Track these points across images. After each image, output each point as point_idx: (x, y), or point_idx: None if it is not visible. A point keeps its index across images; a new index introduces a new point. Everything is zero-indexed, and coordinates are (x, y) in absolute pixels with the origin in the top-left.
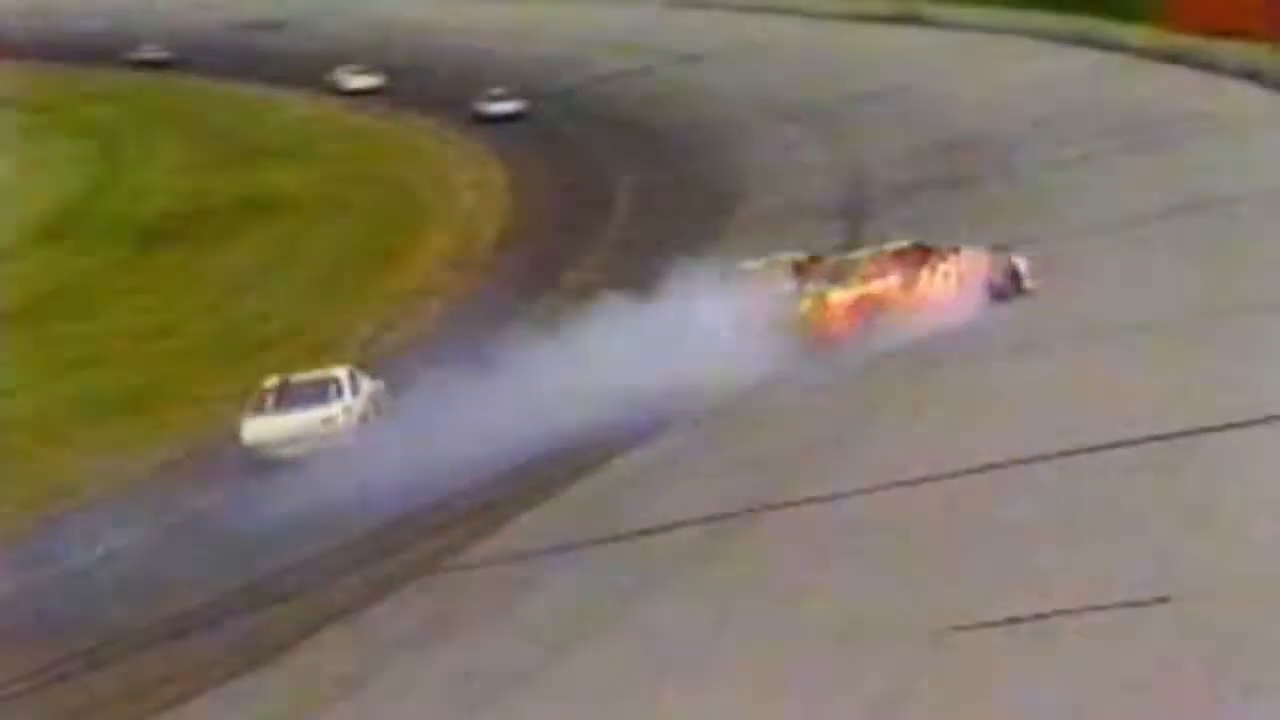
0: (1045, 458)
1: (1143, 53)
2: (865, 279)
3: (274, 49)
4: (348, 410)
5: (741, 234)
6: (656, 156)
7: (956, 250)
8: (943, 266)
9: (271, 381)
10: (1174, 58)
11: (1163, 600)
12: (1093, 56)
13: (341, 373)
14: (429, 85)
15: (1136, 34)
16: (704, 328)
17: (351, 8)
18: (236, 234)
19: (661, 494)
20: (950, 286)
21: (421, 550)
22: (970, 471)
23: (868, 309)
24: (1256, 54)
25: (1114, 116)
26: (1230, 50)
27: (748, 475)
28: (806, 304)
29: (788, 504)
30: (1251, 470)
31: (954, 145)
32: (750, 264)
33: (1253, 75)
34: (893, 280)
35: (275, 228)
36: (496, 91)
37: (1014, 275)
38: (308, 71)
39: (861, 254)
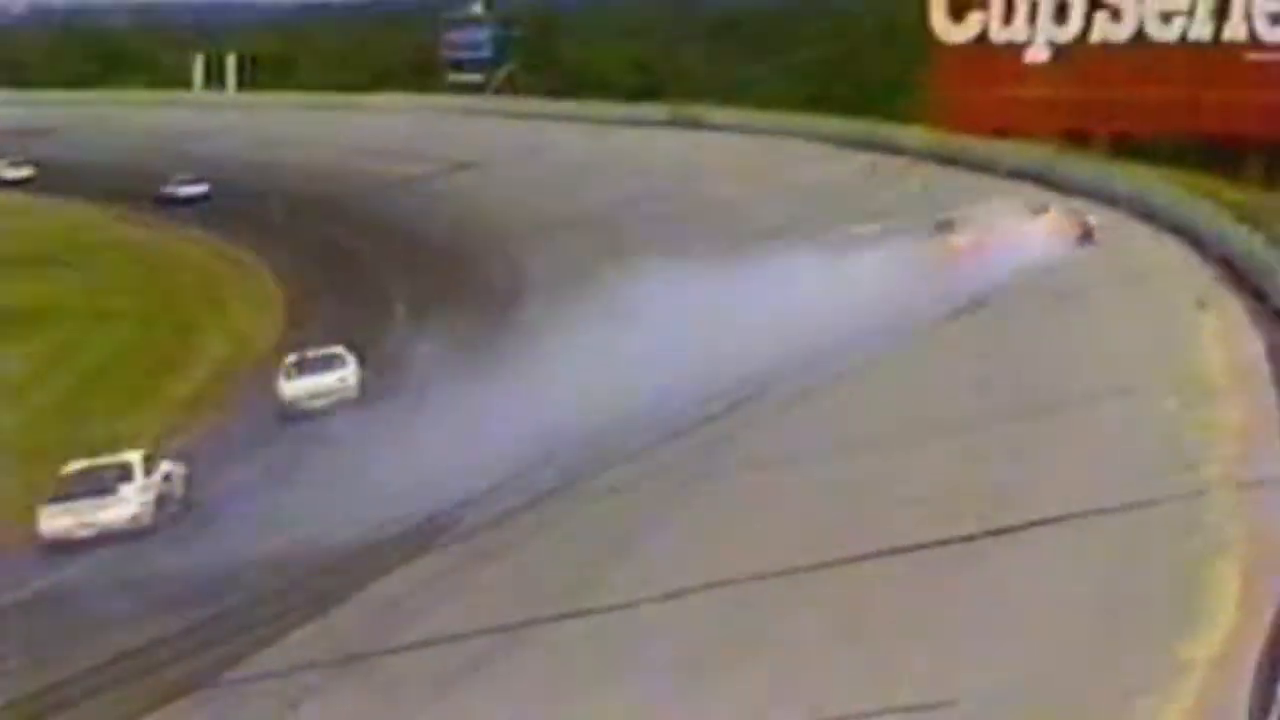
0: (827, 564)
1: (922, 154)
2: (977, 229)
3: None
4: (355, 374)
5: (519, 338)
6: (432, 264)
7: (1046, 209)
8: (1036, 221)
9: (292, 358)
10: (953, 159)
11: (948, 704)
12: (872, 159)
13: (341, 349)
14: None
15: (915, 136)
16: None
17: (134, 117)
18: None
19: (445, 603)
20: (1042, 234)
21: (199, 662)
22: (752, 579)
23: (984, 247)
24: (1034, 154)
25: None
26: (1008, 151)
27: (532, 584)
28: (936, 245)
29: (566, 615)
30: (1031, 574)
31: (734, 250)
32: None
33: (1029, 175)
34: (999, 229)
35: (39, 338)
36: (183, 176)
37: (1088, 229)
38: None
39: (968, 211)
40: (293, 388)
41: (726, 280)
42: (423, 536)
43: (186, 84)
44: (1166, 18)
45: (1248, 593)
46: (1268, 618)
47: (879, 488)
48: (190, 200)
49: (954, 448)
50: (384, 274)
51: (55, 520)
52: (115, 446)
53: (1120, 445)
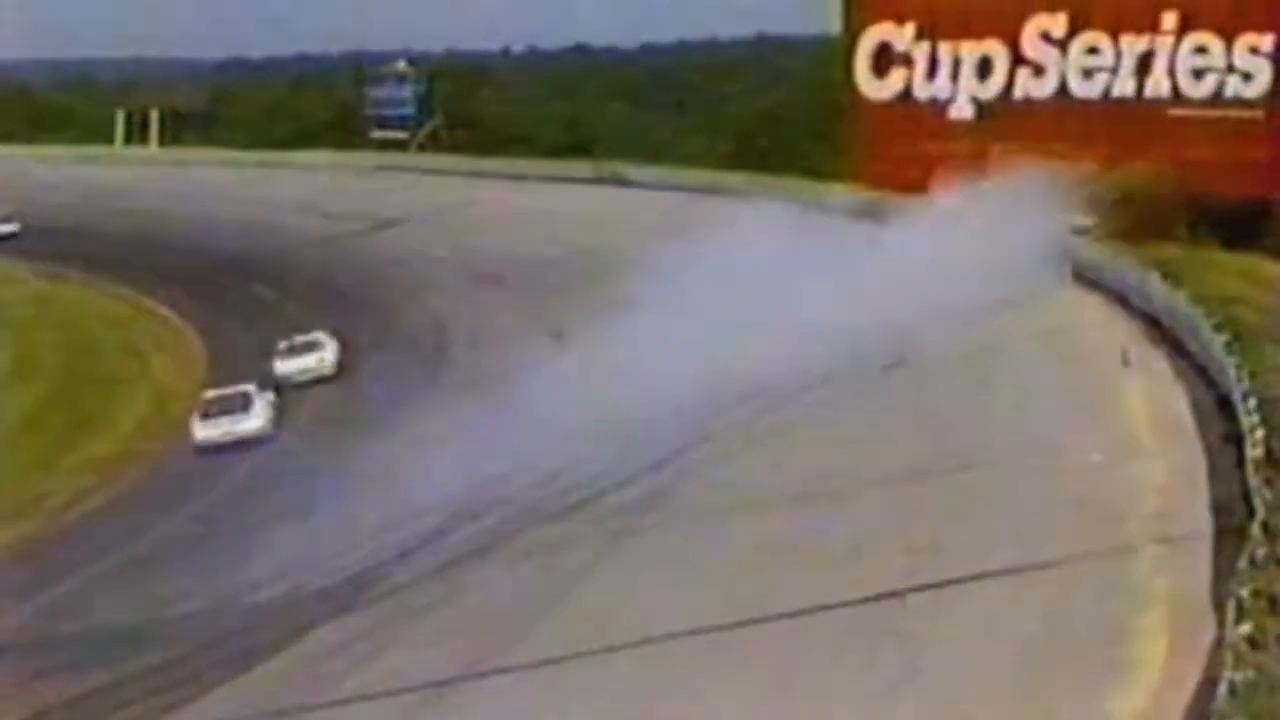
0: (755, 621)
1: (843, 210)
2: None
3: None
4: (333, 356)
5: (447, 403)
6: (357, 321)
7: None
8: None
9: (283, 344)
10: (874, 214)
11: None
12: (796, 214)
13: (323, 335)
14: None
15: (837, 192)
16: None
17: (57, 173)
18: None
19: (371, 659)
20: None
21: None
22: (679, 636)
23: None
24: None
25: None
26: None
27: (456, 642)
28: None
29: (492, 672)
30: (958, 629)
31: (661, 306)
32: None
33: None
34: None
35: None
36: None
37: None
38: None
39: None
40: (284, 366)
41: (656, 334)
42: (350, 592)
43: (109, 140)
44: (1089, 74)
45: (1174, 648)
46: (1194, 672)
47: (807, 543)
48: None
49: (880, 504)
50: (308, 331)
51: (206, 431)
52: (37, 503)
53: (1045, 501)
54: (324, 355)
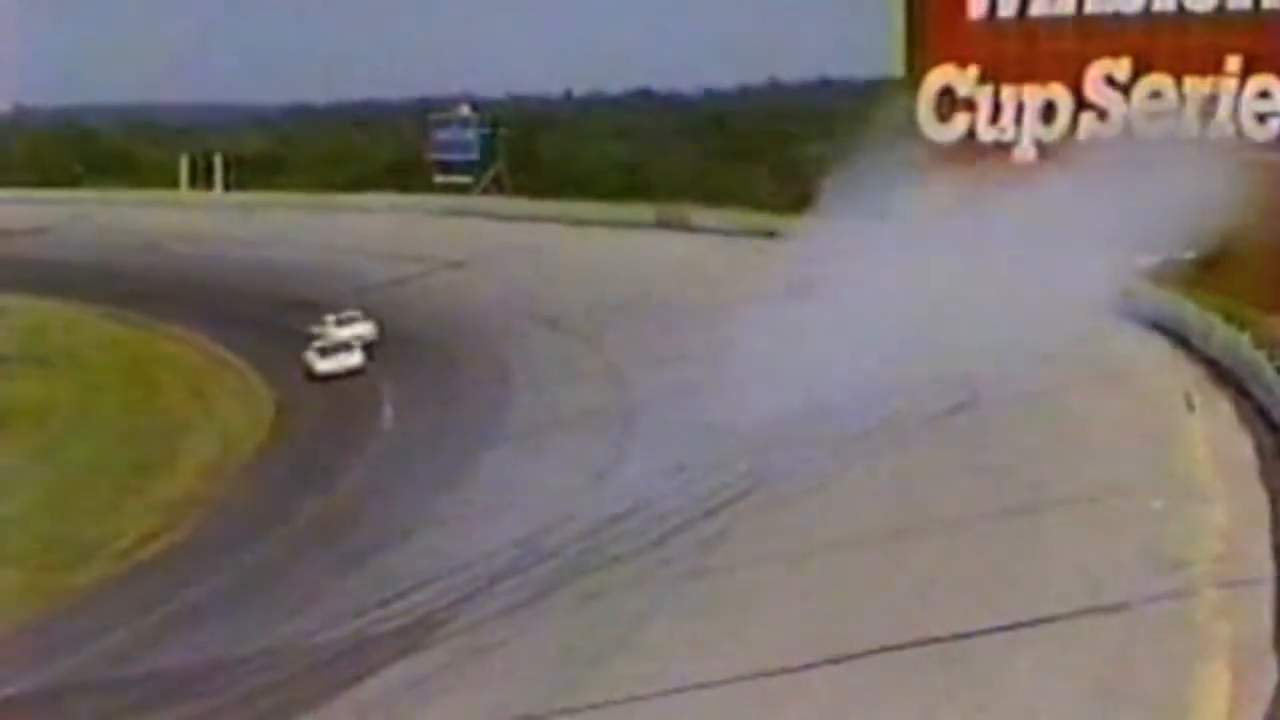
0: (817, 664)
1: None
2: None
3: None
4: (373, 327)
5: (510, 446)
6: (421, 365)
7: None
8: None
9: (330, 318)
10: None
11: None
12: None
13: (357, 312)
14: None
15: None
16: None
17: (123, 217)
18: None
19: (437, 700)
20: None
21: None
22: (741, 678)
23: None
24: None
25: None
26: None
27: (523, 682)
28: None
29: (558, 713)
30: (1019, 673)
31: (721, 350)
32: None
33: None
34: None
35: (29, 436)
36: None
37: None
38: None
39: None
40: (350, 332)
41: (715, 380)
42: (417, 633)
43: (173, 184)
44: (1153, 117)
45: (1237, 692)
46: (1255, 715)
47: (868, 586)
48: None
49: (943, 547)
50: (373, 373)
51: (324, 365)
52: (103, 547)
53: (1108, 545)
54: (370, 325)
